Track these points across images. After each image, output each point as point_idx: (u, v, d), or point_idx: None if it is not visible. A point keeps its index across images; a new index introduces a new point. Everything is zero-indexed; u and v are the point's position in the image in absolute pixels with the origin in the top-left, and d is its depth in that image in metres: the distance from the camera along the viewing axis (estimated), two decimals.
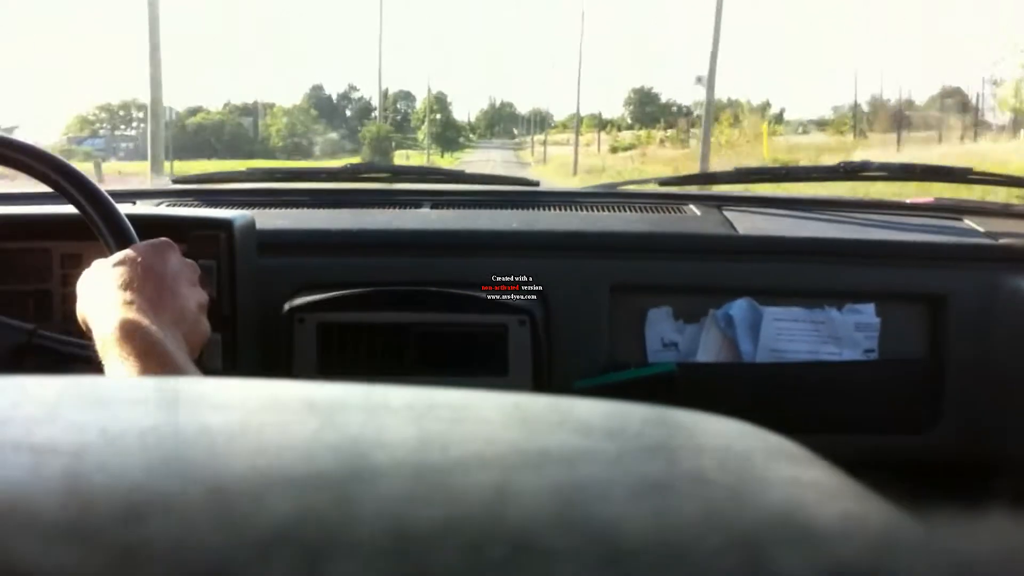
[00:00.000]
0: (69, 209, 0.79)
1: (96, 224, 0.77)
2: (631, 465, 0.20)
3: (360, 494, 0.18)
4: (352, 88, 59.15)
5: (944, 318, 1.13)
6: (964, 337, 1.12)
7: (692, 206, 1.35)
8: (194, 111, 38.54)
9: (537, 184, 1.49)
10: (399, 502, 0.17)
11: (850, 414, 1.13)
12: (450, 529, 0.17)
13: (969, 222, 1.30)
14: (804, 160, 14.03)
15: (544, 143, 42.31)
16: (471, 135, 65.86)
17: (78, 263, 1.00)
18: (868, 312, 1.13)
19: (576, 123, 30.68)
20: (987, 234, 1.24)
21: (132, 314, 0.63)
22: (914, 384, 1.14)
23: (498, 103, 78.08)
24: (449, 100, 56.82)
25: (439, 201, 1.36)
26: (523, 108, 75.39)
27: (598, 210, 1.33)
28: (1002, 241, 1.20)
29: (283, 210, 1.29)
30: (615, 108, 60.59)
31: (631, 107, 60.15)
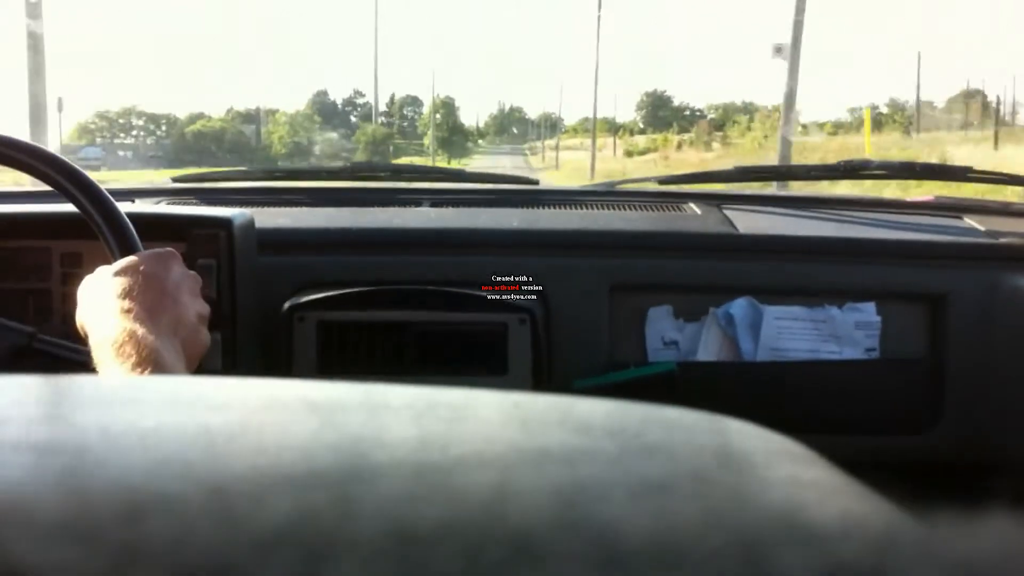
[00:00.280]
0: (69, 208, 0.79)
1: (102, 230, 0.77)
2: (631, 464, 0.20)
3: (360, 494, 0.18)
4: (358, 93, 58.81)
5: (944, 317, 1.13)
6: (964, 336, 1.12)
7: (692, 205, 1.35)
8: (195, 118, 38.22)
9: (537, 183, 1.50)
10: (399, 501, 0.17)
11: (850, 414, 1.13)
12: (450, 528, 0.17)
13: (969, 221, 1.30)
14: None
15: (556, 147, 41.72)
16: (479, 140, 65.38)
17: (78, 262, 1.00)
18: (868, 310, 1.13)
19: (592, 125, 29.64)
20: (987, 233, 1.24)
21: (130, 323, 0.63)
22: (914, 384, 1.14)
23: (507, 108, 77.61)
24: (457, 104, 56.43)
25: (439, 200, 1.36)
26: (533, 113, 74.98)
27: (598, 208, 1.33)
28: (1003, 240, 1.20)
29: (283, 209, 1.29)
30: (627, 112, 60.23)
31: (643, 111, 59.78)
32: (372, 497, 0.18)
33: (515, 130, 72.41)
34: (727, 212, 1.30)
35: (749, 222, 1.25)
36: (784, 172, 1.48)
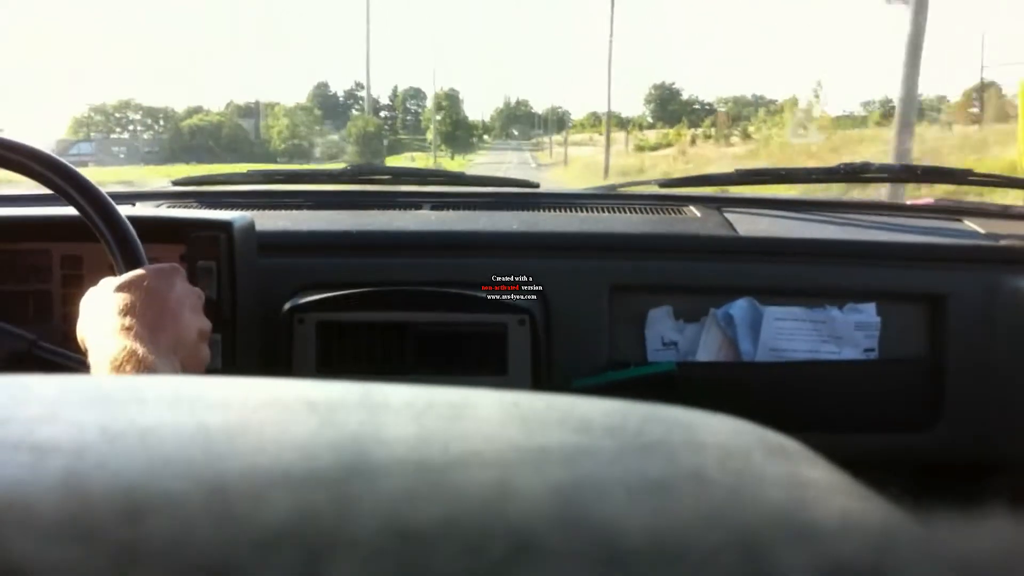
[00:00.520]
0: (69, 210, 0.79)
1: (109, 243, 0.77)
2: (630, 463, 0.20)
3: (360, 492, 0.18)
4: (359, 86, 57.83)
5: (944, 318, 1.13)
6: (964, 337, 1.12)
7: (692, 207, 1.35)
8: (192, 112, 37.84)
9: (537, 186, 1.50)
10: (399, 500, 0.17)
11: (850, 413, 1.13)
12: (450, 527, 0.17)
13: (969, 223, 1.31)
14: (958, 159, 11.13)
15: (565, 142, 41.18)
16: (484, 136, 64.83)
17: (78, 264, 1.01)
18: (869, 311, 1.13)
19: (607, 118, 28.05)
20: (987, 235, 1.24)
21: (129, 341, 0.64)
22: (914, 384, 1.14)
23: (513, 102, 77.14)
24: (462, 98, 55.88)
25: (439, 202, 1.37)
26: (539, 107, 74.43)
27: (598, 211, 1.33)
28: (1002, 242, 1.21)
29: (283, 211, 1.29)
30: (634, 106, 59.54)
31: (652, 105, 59.23)
32: (372, 496, 0.18)
33: (519, 127, 71.98)
34: (727, 215, 1.30)
35: (749, 224, 1.25)
36: (784, 175, 1.48)
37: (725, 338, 1.13)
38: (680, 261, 1.15)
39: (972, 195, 2.87)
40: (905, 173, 1.49)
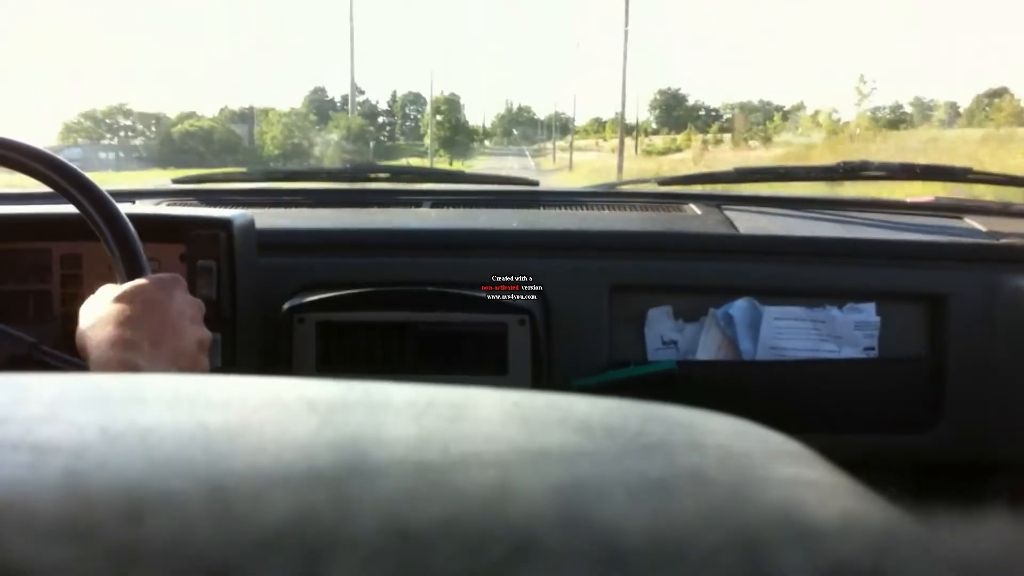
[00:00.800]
0: (69, 209, 0.79)
1: (108, 242, 0.76)
2: (631, 463, 0.20)
3: (360, 492, 0.18)
4: (357, 91, 57.87)
5: (944, 318, 1.13)
6: (964, 337, 1.12)
7: (692, 205, 1.35)
8: (184, 117, 37.26)
9: (537, 184, 1.50)
10: (399, 500, 0.17)
11: (850, 413, 1.13)
12: (450, 527, 0.17)
13: (970, 221, 1.31)
14: None
15: (570, 147, 40.77)
16: (485, 141, 64.43)
17: (78, 263, 1.01)
18: (868, 311, 1.13)
19: (620, 119, 27.26)
20: (988, 234, 1.24)
21: (129, 354, 0.64)
22: (914, 384, 1.14)
23: (515, 107, 76.71)
24: (462, 103, 55.60)
25: (439, 201, 1.37)
26: (542, 113, 74.03)
27: (598, 209, 1.33)
28: (1003, 241, 1.20)
29: (283, 210, 1.29)
30: (639, 112, 59.16)
31: (657, 110, 58.77)
32: (372, 496, 0.18)
33: (522, 131, 71.61)
34: (727, 213, 1.30)
35: (749, 223, 1.25)
36: (783, 173, 1.48)
37: (725, 338, 1.13)
38: (680, 261, 1.15)
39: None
40: (904, 172, 1.49)
